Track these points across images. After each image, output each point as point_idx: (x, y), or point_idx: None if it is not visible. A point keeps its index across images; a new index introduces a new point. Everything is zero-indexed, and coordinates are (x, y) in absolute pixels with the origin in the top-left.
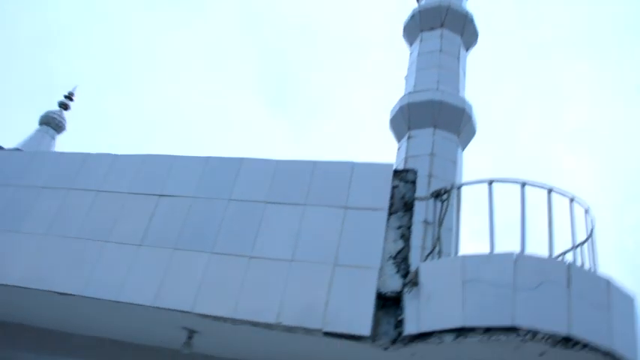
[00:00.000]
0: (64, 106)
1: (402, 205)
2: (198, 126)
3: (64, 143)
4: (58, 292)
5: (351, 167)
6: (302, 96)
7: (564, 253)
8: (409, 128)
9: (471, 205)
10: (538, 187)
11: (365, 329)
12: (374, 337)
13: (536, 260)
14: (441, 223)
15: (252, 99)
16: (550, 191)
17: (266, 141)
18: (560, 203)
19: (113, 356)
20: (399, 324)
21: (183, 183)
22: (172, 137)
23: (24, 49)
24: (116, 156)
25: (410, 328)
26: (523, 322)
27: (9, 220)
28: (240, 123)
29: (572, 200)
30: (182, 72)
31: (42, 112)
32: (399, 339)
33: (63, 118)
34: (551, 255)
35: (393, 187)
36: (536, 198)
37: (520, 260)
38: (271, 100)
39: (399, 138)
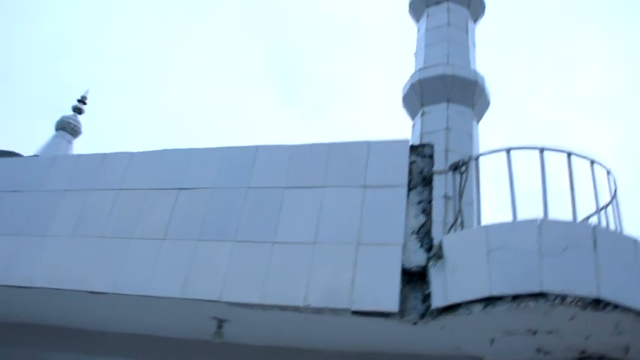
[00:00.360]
0: (78, 110)
1: (420, 180)
2: (211, 122)
3: (80, 147)
4: (88, 291)
5: (367, 146)
6: (312, 85)
7: (589, 217)
8: (422, 104)
9: (490, 178)
10: (557, 151)
11: (393, 305)
12: (402, 312)
13: (560, 224)
14: (461, 196)
15: (261, 92)
16: (569, 155)
17: (279, 132)
18: (580, 168)
19: (144, 351)
20: (427, 298)
21: (201, 175)
22: (186, 135)
23: (28, 57)
24: (133, 154)
25: (437, 301)
26: (551, 287)
27: (35, 224)
28: (252, 116)
29: (592, 163)
30: (189, 69)
31: (56, 117)
32: (428, 313)
33: (78, 122)
34: (575, 219)
35: (411, 163)
36: (556, 165)
37: (544, 225)
38: (281, 91)
39: (412, 115)
